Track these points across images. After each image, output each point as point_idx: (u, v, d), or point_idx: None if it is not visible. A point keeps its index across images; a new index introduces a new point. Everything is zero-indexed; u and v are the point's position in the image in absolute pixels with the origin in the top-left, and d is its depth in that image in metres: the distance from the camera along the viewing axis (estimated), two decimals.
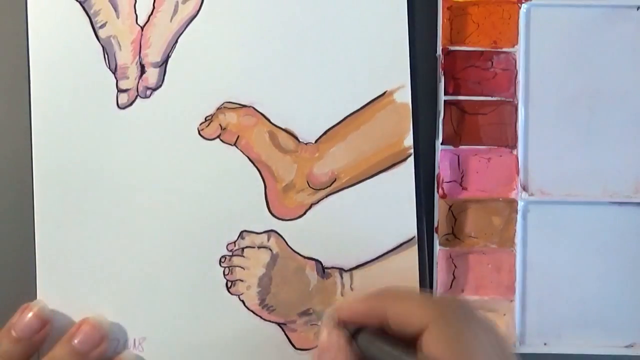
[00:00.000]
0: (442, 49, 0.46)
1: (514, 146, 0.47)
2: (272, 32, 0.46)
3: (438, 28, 0.47)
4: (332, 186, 0.46)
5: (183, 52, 0.46)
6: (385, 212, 0.46)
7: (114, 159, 0.46)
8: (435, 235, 0.47)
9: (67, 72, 0.46)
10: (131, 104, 0.46)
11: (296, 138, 0.46)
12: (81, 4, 0.46)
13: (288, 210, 0.46)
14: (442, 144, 0.47)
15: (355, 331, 0.39)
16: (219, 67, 0.46)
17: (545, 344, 0.47)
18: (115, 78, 0.46)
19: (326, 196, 0.46)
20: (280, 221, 0.46)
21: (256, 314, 0.46)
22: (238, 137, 0.46)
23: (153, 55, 0.46)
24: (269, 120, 0.46)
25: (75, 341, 0.43)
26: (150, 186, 0.46)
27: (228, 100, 0.46)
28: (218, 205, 0.46)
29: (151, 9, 0.46)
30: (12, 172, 0.47)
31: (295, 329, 0.46)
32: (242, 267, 0.46)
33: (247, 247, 0.46)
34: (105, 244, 0.46)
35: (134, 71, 0.46)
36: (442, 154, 0.47)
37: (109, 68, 0.46)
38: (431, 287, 0.47)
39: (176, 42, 0.46)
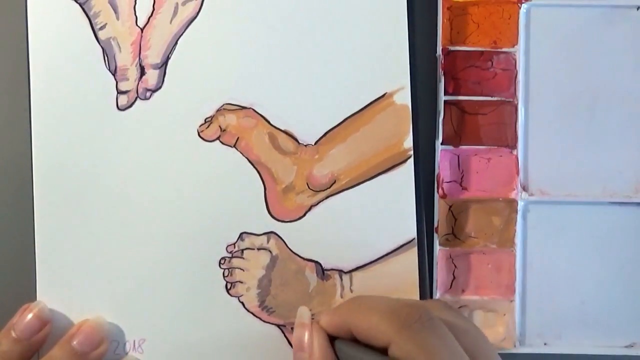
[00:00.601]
0: (442, 49, 0.46)
1: (514, 146, 0.47)
2: (271, 33, 0.46)
3: (438, 28, 0.47)
4: (331, 188, 0.46)
5: (183, 54, 0.46)
6: (385, 214, 0.46)
7: (114, 160, 0.46)
8: (435, 235, 0.47)
9: (67, 73, 0.46)
10: (131, 105, 0.46)
11: (296, 140, 0.46)
12: (81, 6, 0.46)
13: (288, 212, 0.46)
14: (442, 144, 0.47)
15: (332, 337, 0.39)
16: (219, 69, 0.46)
17: (545, 344, 0.47)
18: (115, 79, 0.46)
19: (326, 198, 0.46)
20: (279, 223, 0.46)
21: (256, 316, 0.46)
22: (238, 138, 0.46)
23: (153, 56, 0.46)
24: (268, 122, 0.46)
25: (75, 342, 0.43)
26: (150, 188, 0.46)
27: (228, 102, 0.46)
28: (218, 207, 0.46)
29: (151, 11, 0.46)
30: (12, 172, 0.47)
31: None
32: (241, 269, 0.46)
33: (246, 248, 0.46)
34: (105, 245, 0.46)
35: (133, 73, 0.46)
36: (442, 154, 0.47)
37: (109, 69, 0.46)
38: (431, 287, 0.47)
39: (176, 43, 0.46)
